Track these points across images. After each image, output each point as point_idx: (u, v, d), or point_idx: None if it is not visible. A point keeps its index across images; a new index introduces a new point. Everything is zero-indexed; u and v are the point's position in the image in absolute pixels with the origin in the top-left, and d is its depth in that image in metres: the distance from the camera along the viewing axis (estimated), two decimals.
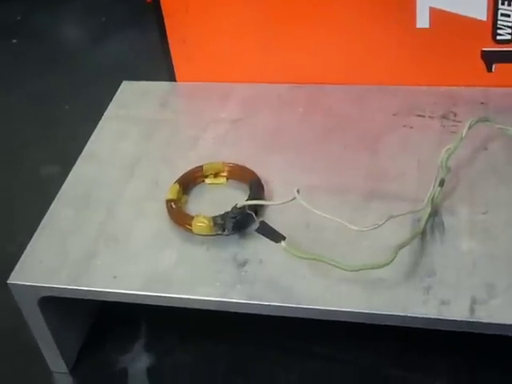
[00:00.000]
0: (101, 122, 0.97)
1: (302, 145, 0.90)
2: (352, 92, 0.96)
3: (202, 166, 0.86)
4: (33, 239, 0.82)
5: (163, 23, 0.97)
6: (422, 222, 0.75)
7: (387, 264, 0.70)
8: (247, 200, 0.79)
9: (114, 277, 0.76)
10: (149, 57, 1.07)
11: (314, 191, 0.82)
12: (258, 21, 0.95)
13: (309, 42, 0.95)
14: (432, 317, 0.68)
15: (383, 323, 0.70)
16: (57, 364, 0.86)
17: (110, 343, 0.89)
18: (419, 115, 0.91)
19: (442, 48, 0.92)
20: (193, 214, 0.80)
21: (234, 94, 0.99)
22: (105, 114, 0.99)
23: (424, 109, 0.92)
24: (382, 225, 0.70)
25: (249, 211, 0.77)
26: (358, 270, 0.70)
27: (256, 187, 0.82)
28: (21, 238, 0.85)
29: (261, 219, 0.76)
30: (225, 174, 0.86)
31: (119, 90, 1.03)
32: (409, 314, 0.69)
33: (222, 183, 0.86)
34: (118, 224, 0.82)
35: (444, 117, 0.90)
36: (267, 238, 0.74)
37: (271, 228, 0.74)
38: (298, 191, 0.72)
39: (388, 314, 0.69)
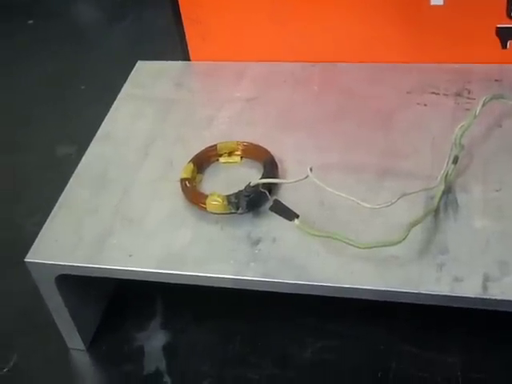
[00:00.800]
0: (115, 103, 0.98)
1: (315, 123, 0.90)
2: (366, 70, 0.96)
3: (216, 145, 0.87)
4: (49, 218, 0.83)
5: (177, 3, 0.97)
6: (436, 200, 0.75)
7: (400, 242, 0.70)
8: (261, 178, 0.80)
9: (130, 255, 0.77)
10: (164, 36, 1.07)
11: (328, 169, 0.82)
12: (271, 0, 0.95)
13: (323, 21, 0.95)
14: (445, 294, 0.68)
15: (396, 300, 0.71)
16: (74, 341, 0.87)
17: (127, 321, 0.90)
18: (433, 93, 0.91)
19: (456, 25, 0.91)
20: (207, 192, 0.81)
21: (248, 73, 0.99)
22: (119, 94, 0.99)
23: (438, 86, 0.91)
24: (394, 202, 0.70)
25: (262, 189, 0.78)
26: (370, 248, 0.70)
27: (270, 166, 0.83)
28: (38, 217, 0.86)
29: (274, 197, 0.76)
30: (239, 152, 0.87)
31: (134, 69, 1.04)
32: (422, 291, 0.69)
33: (236, 162, 0.87)
34: (133, 204, 0.83)
35: (458, 94, 0.90)
36: (280, 216, 0.75)
37: (285, 206, 0.75)
38: (310, 169, 0.72)
39: (401, 291, 0.70)
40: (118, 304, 0.92)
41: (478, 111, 0.79)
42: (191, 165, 0.84)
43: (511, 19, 0.89)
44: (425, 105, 0.89)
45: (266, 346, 0.85)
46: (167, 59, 1.05)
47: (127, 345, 0.88)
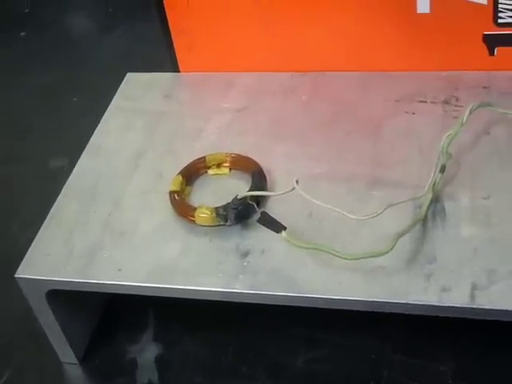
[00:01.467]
0: (105, 115, 0.98)
1: (305, 133, 0.90)
2: (354, 79, 0.96)
3: (204, 157, 0.87)
4: (39, 233, 0.83)
5: (164, 14, 0.97)
6: (423, 209, 0.75)
7: (387, 252, 0.70)
8: (249, 191, 0.80)
9: (119, 269, 0.77)
10: (156, 47, 1.07)
11: (317, 180, 0.82)
12: (259, 10, 0.95)
13: (311, 30, 0.95)
14: (433, 304, 0.68)
15: (384, 311, 0.71)
16: (66, 355, 0.87)
17: (119, 334, 0.90)
18: (421, 101, 0.91)
19: (443, 33, 0.91)
20: (196, 205, 0.81)
21: (236, 84, 0.99)
22: (109, 106, 0.99)
23: (426, 94, 0.91)
24: (380, 213, 0.70)
25: (250, 202, 0.78)
26: (357, 259, 0.70)
27: (258, 177, 0.83)
28: (31, 230, 0.85)
29: (262, 210, 0.77)
30: (227, 164, 0.87)
31: (124, 81, 1.04)
32: (410, 302, 0.69)
33: (225, 174, 0.87)
34: (124, 216, 0.83)
35: (446, 102, 0.90)
36: (268, 228, 0.75)
37: (272, 218, 0.75)
38: (297, 182, 0.72)
39: (389, 301, 0.70)
40: (110, 317, 0.92)
41: (464, 119, 0.79)
42: (180, 177, 0.85)
43: (498, 26, 0.89)
44: (413, 113, 0.89)
45: (258, 357, 0.85)
46: (158, 70, 1.05)
47: (120, 358, 0.88)
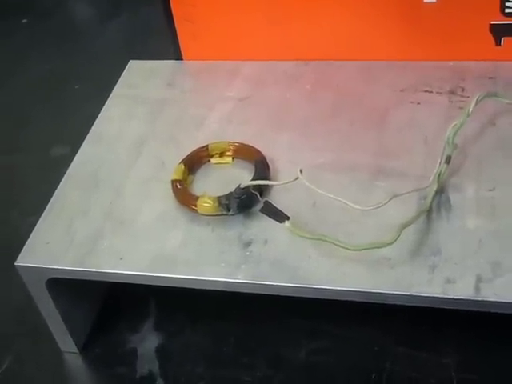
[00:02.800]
0: (107, 103, 0.97)
1: (309, 122, 0.89)
2: (359, 68, 0.95)
3: (207, 146, 0.86)
4: (40, 221, 0.82)
5: (168, 2, 0.96)
6: (428, 200, 0.75)
7: (391, 243, 0.69)
8: (252, 180, 0.79)
9: (121, 258, 0.76)
10: (159, 35, 1.06)
11: (321, 169, 0.81)
12: None
13: (316, 19, 0.94)
14: (437, 296, 0.68)
15: (388, 302, 0.70)
16: (67, 344, 0.86)
17: (120, 323, 0.89)
18: (427, 91, 0.90)
19: (449, 22, 0.90)
20: (198, 194, 0.80)
21: (240, 72, 0.98)
22: (111, 94, 0.99)
23: (432, 84, 0.90)
24: (385, 204, 0.69)
25: (253, 191, 0.77)
26: (361, 250, 0.70)
27: (261, 167, 0.82)
28: (32, 218, 0.85)
29: (265, 199, 0.76)
30: (230, 153, 0.86)
31: (126, 69, 1.03)
32: (414, 293, 0.68)
33: (227, 163, 0.86)
34: (125, 205, 0.82)
35: (452, 92, 0.89)
36: (271, 218, 0.74)
37: (275, 208, 0.74)
38: (301, 171, 0.72)
39: (393, 293, 0.69)
40: (111, 306, 0.91)
41: (470, 110, 0.78)
42: (182, 166, 0.84)
43: (505, 16, 0.88)
44: (418, 103, 0.89)
45: (260, 348, 0.85)
46: (163, 58, 1.04)
47: (120, 347, 0.87)
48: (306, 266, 0.73)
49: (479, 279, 0.68)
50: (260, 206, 0.76)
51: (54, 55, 1.39)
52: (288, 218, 0.73)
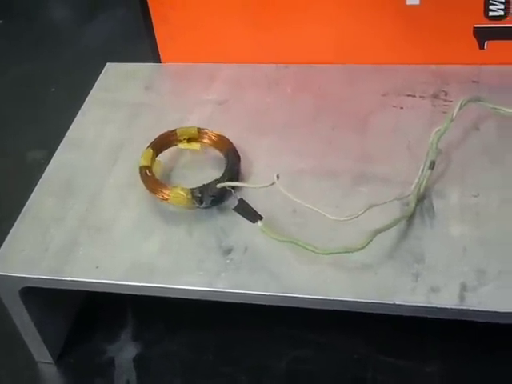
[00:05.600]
0: (83, 107, 0.95)
1: (289, 127, 0.88)
2: (340, 72, 0.93)
3: (175, 130, 0.85)
4: (13, 228, 0.80)
5: (146, 3, 0.94)
6: (410, 207, 0.73)
7: (361, 248, 0.68)
8: (224, 172, 0.79)
9: (97, 266, 0.74)
10: (137, 37, 1.04)
11: (301, 175, 0.80)
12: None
13: (296, 21, 0.93)
14: (420, 305, 0.66)
15: (370, 311, 0.69)
16: (41, 354, 0.84)
17: (97, 332, 0.87)
18: (410, 95, 0.88)
19: (432, 25, 0.89)
20: (167, 181, 0.80)
21: (219, 75, 0.96)
22: (88, 97, 0.96)
23: (414, 88, 0.89)
24: (361, 214, 0.68)
25: (229, 188, 0.76)
26: (329, 254, 0.69)
27: (233, 158, 0.81)
28: (5, 225, 0.83)
29: (240, 197, 0.75)
30: (199, 139, 0.85)
31: (103, 72, 1.01)
32: (397, 302, 0.67)
33: (195, 149, 0.85)
34: (101, 212, 0.80)
35: (435, 96, 0.88)
36: (244, 217, 0.73)
37: (249, 207, 0.73)
38: (277, 176, 0.71)
39: (375, 302, 0.68)
40: (88, 315, 0.89)
41: (454, 115, 0.77)
42: (150, 150, 0.82)
43: (489, 19, 0.87)
44: (401, 107, 0.87)
45: (241, 357, 0.83)
46: (141, 61, 1.02)
47: (97, 357, 0.85)
48: (287, 275, 0.71)
49: (464, 288, 0.67)
50: (234, 200, 0.75)
51: (30, 57, 1.36)
52: (261, 218, 0.72)
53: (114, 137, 0.90)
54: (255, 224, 0.72)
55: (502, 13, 0.86)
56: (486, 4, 0.86)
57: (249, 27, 0.94)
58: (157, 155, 0.83)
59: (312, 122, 0.88)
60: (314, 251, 0.69)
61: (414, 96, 0.88)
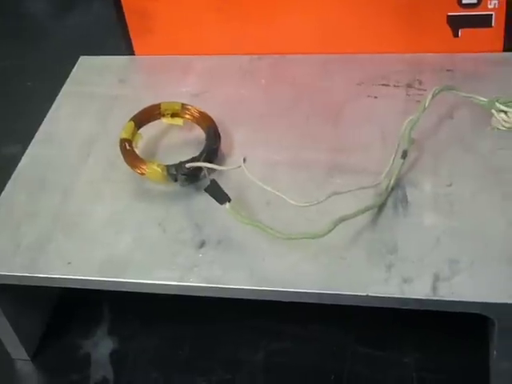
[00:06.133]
0: (57, 101, 0.94)
1: (264, 118, 0.87)
2: (315, 62, 0.93)
3: (159, 104, 0.85)
4: None
5: None
6: (382, 197, 0.73)
7: (322, 235, 0.68)
8: (202, 151, 0.79)
9: (69, 262, 0.74)
10: (113, 30, 1.03)
11: (276, 166, 0.80)
12: None
13: (269, 12, 0.92)
14: (394, 296, 0.66)
15: (344, 303, 0.68)
16: (17, 351, 0.84)
17: (73, 328, 0.87)
18: (384, 84, 0.88)
19: (406, 14, 0.89)
20: (148, 155, 0.81)
21: (194, 67, 0.96)
22: (61, 91, 0.96)
23: (389, 77, 0.89)
24: (322, 201, 0.68)
25: (203, 168, 0.77)
26: (289, 239, 0.70)
27: (213, 136, 0.82)
28: None
29: (212, 178, 0.75)
30: (182, 115, 0.85)
31: (76, 65, 1.00)
32: (370, 294, 0.67)
33: (178, 124, 0.85)
34: (74, 207, 0.80)
35: (409, 85, 0.87)
36: (213, 197, 0.73)
37: (220, 189, 0.73)
38: (244, 160, 0.71)
39: (349, 294, 0.67)
40: (63, 311, 0.89)
41: (427, 104, 0.77)
42: (132, 124, 0.83)
43: (462, 7, 0.87)
44: (375, 97, 0.87)
45: (217, 351, 0.83)
46: (116, 54, 1.01)
47: (73, 353, 0.85)
48: (260, 268, 0.70)
49: (436, 278, 0.66)
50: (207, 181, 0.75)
51: (6, 51, 1.34)
52: (229, 201, 0.72)
53: (87, 130, 0.89)
54: (223, 206, 0.72)
55: (475, 0, 0.86)
56: None
57: (222, 19, 0.94)
58: (139, 128, 0.83)
59: (287, 113, 0.87)
60: (274, 235, 0.69)
61: (389, 85, 0.88)
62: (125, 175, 0.82)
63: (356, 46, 0.92)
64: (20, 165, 0.86)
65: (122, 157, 0.82)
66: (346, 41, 0.92)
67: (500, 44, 0.89)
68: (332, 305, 0.69)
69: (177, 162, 0.78)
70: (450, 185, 0.74)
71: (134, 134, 0.82)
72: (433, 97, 0.77)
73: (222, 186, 0.73)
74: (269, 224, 0.70)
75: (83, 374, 0.82)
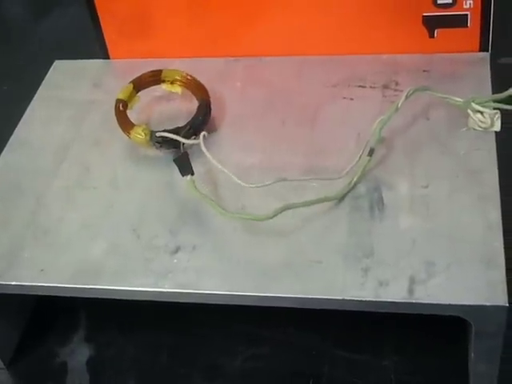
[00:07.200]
0: (30, 105, 0.93)
1: (239, 121, 0.86)
2: (290, 64, 0.92)
3: (161, 70, 0.88)
4: None
5: None
6: (339, 191, 0.74)
7: (265, 219, 0.71)
8: (188, 122, 0.82)
9: (42, 270, 0.73)
10: (90, 33, 1.02)
11: (251, 170, 0.79)
12: None
13: (244, 14, 0.91)
14: (370, 299, 0.65)
15: (320, 307, 0.68)
16: None
17: (49, 336, 0.86)
18: (360, 86, 0.87)
19: (382, 15, 0.88)
20: (143, 119, 0.84)
21: None
22: (35, 96, 0.95)
23: (365, 79, 0.88)
24: (269, 185, 0.71)
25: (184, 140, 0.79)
26: (234, 217, 0.72)
27: (204, 109, 0.83)
28: None
29: (185, 150, 0.78)
30: (181, 83, 0.87)
31: (51, 69, 0.99)
32: (346, 298, 0.66)
33: (176, 91, 0.88)
34: (47, 214, 0.79)
35: (386, 87, 0.87)
36: (179, 169, 0.76)
37: (188, 162, 0.76)
38: (204, 135, 0.76)
39: (325, 298, 0.67)
40: (39, 318, 0.88)
41: (400, 104, 0.76)
42: (131, 86, 0.85)
43: (438, 7, 0.86)
44: (351, 99, 0.86)
45: (196, 357, 0.82)
46: (93, 57, 1.00)
47: (49, 361, 0.84)
48: (235, 273, 0.70)
49: (412, 281, 0.66)
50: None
51: None
52: (192, 174, 0.75)
53: (61, 136, 0.88)
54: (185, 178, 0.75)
55: (450, 0, 0.85)
56: None
57: (197, 21, 0.93)
58: (137, 92, 0.86)
59: (262, 116, 0.86)
60: (221, 213, 0.72)
61: (365, 87, 0.87)
62: (100, 181, 0.81)
63: (332, 48, 0.91)
64: None
65: (96, 161, 0.82)
66: (322, 42, 0.92)
67: (476, 44, 0.88)
68: (309, 309, 0.69)
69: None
70: (427, 186, 0.74)
71: (131, 96, 0.85)
72: (407, 97, 0.77)
73: (197, 163, 0.76)
74: (226, 206, 0.73)
75: (60, 382, 0.82)
